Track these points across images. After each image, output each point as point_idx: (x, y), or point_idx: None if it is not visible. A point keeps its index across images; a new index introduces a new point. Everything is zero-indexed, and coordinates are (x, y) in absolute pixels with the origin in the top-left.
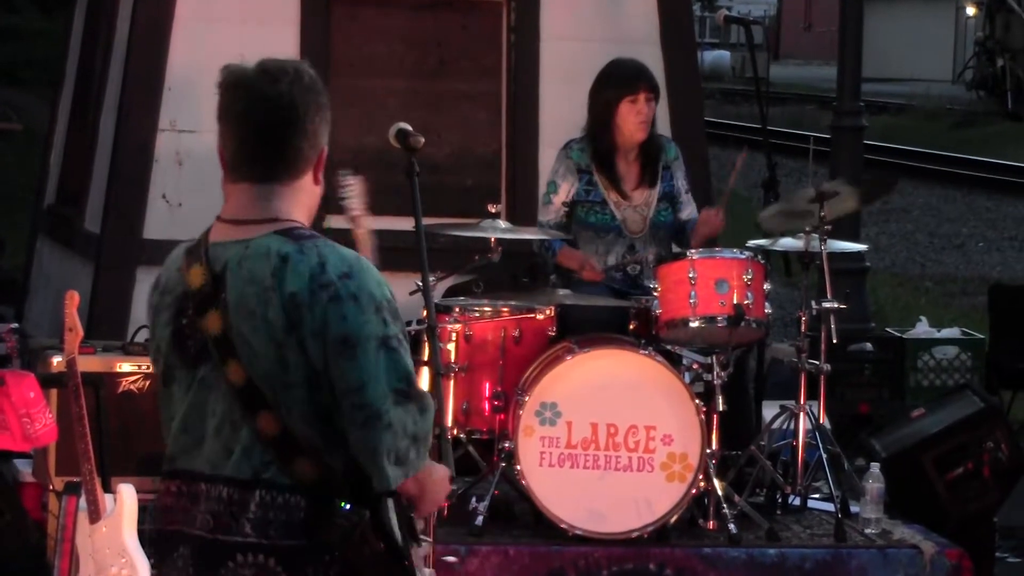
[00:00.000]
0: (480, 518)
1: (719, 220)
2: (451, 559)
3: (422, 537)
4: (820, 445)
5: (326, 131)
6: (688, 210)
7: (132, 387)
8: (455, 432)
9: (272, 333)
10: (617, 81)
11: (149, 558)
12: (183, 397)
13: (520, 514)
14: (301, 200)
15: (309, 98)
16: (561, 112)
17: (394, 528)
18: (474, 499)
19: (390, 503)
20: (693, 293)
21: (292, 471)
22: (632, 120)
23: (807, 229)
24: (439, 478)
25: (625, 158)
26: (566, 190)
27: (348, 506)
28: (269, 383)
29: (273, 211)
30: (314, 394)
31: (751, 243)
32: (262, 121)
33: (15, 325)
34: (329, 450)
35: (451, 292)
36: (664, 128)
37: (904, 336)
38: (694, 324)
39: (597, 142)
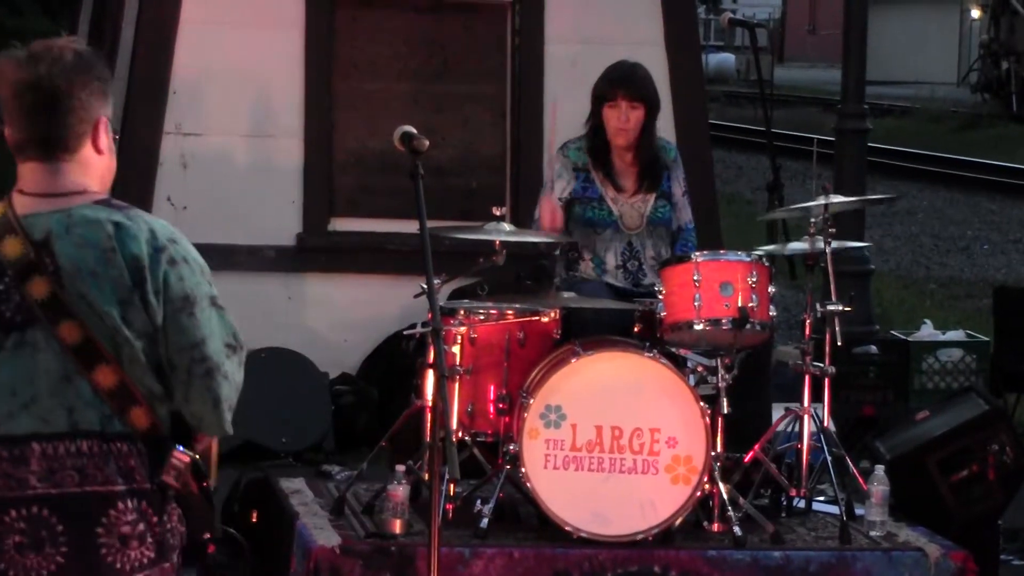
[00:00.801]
0: (485, 520)
1: None
2: None
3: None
4: (825, 447)
5: (99, 103)
6: (683, 215)
7: None
8: (460, 435)
9: (117, 292)
10: (602, 84)
11: None
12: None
13: (525, 516)
14: (90, 172)
15: (72, 77)
16: (565, 114)
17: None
18: (479, 501)
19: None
20: (698, 296)
21: (128, 420)
22: (612, 124)
23: (811, 232)
24: None
25: (621, 157)
26: (561, 187)
27: (181, 448)
28: (112, 339)
29: (75, 184)
30: (154, 347)
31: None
32: (29, 105)
33: None
34: (162, 399)
35: (456, 295)
36: (668, 130)
37: (909, 338)
38: (699, 327)
39: (592, 141)
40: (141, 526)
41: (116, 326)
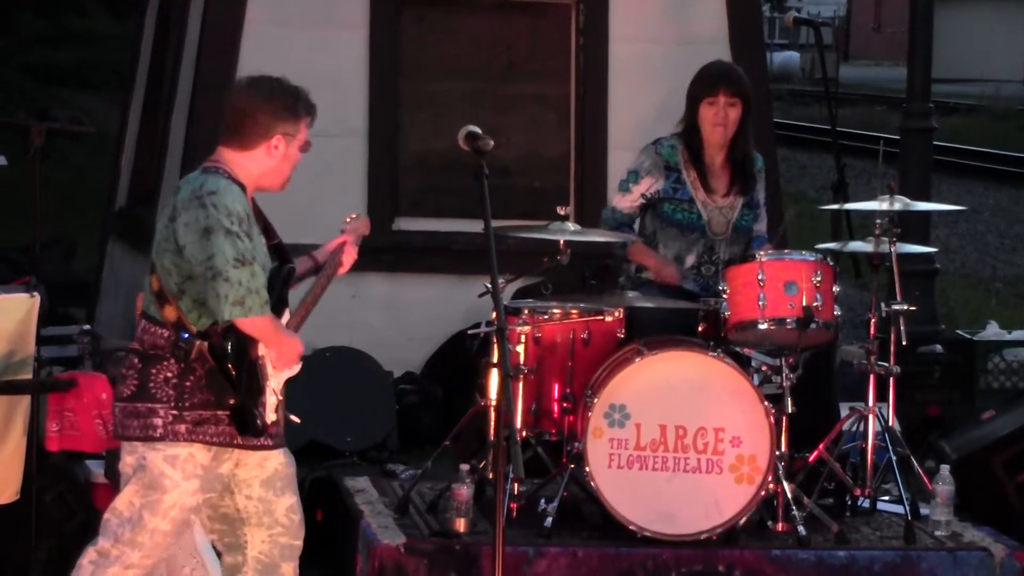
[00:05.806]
0: (549, 519)
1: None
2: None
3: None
4: (890, 447)
5: (276, 123)
6: (760, 226)
7: None
8: (524, 434)
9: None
10: (700, 82)
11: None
12: None
13: (589, 515)
14: (253, 165)
15: (257, 104)
16: (629, 113)
17: (230, 356)
18: (543, 500)
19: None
20: (762, 295)
21: (163, 313)
22: (708, 120)
23: (876, 232)
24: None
25: (714, 159)
26: (648, 183)
27: (187, 335)
28: (157, 251)
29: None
30: (180, 262)
31: (820, 246)
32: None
33: (87, 327)
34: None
35: (520, 294)
36: None
37: (974, 338)
38: (763, 326)
39: (688, 140)
40: (129, 371)
41: (157, 248)
